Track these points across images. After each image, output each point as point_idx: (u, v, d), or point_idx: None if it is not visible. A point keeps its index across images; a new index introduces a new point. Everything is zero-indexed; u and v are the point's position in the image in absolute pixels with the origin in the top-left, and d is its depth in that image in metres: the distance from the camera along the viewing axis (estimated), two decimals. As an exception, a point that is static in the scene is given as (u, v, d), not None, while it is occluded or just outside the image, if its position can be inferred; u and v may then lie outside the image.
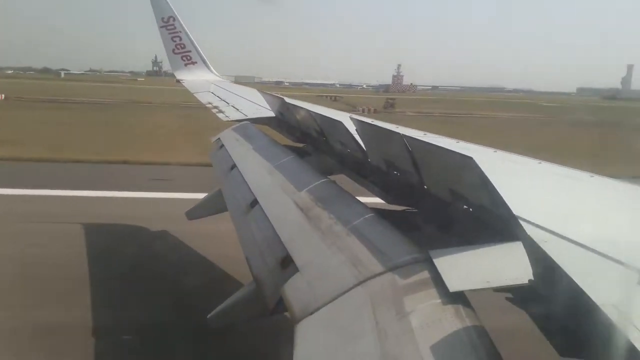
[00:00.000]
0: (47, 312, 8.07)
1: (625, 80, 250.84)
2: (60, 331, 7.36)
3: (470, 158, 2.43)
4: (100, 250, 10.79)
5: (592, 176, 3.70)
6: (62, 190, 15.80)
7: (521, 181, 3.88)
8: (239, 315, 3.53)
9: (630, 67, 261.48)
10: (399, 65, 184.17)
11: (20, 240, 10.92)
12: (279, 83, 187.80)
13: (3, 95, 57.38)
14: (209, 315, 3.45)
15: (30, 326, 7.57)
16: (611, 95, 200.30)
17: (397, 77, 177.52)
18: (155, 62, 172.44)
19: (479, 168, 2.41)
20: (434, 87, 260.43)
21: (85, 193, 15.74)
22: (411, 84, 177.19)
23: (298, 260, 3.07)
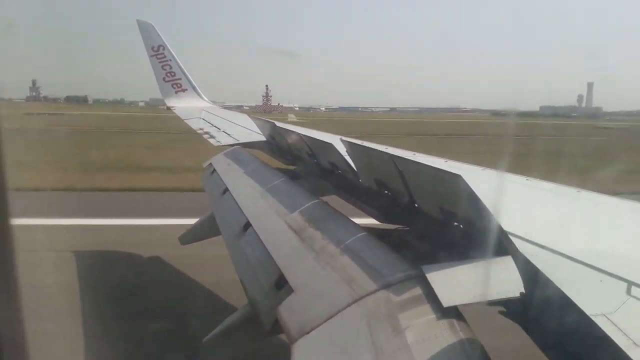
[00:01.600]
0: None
1: (587, 98, 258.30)
2: None
3: (459, 176, 2.49)
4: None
5: (579, 191, 3.78)
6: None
7: (509, 197, 3.95)
8: (235, 338, 3.52)
9: (590, 85, 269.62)
10: (267, 86, 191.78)
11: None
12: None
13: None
14: (204, 339, 3.43)
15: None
16: (567, 113, 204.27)
17: (266, 97, 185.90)
18: (33, 88, 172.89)
19: (468, 185, 2.47)
20: (392, 109, 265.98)
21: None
22: (278, 104, 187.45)
23: (292, 280, 3.09)
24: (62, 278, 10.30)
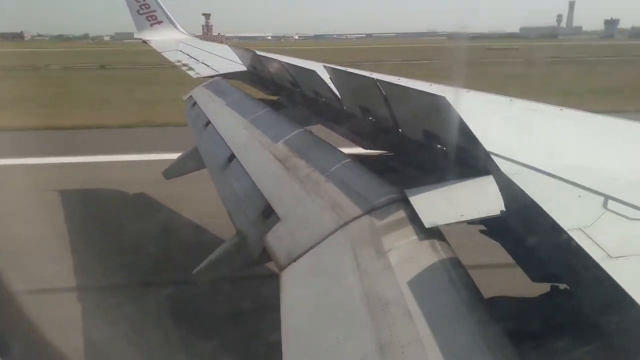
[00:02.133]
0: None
1: (568, 18, 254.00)
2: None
3: (443, 97, 2.45)
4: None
5: (561, 109, 3.77)
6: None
7: (493, 118, 3.94)
8: (224, 269, 3.60)
9: (571, 4, 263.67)
10: (206, 16, 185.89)
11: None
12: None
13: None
14: (194, 271, 3.50)
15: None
16: (550, 34, 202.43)
17: (206, 27, 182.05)
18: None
19: (451, 107, 2.44)
20: (368, 35, 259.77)
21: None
22: (219, 33, 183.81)
23: (279, 209, 3.11)
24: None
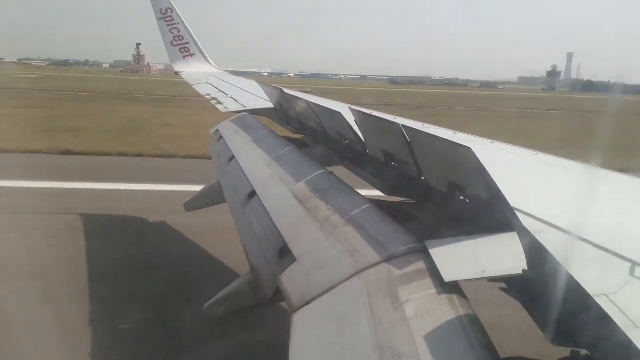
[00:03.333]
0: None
1: (567, 68, 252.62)
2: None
3: (469, 148, 2.44)
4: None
5: (588, 169, 3.71)
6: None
7: (518, 172, 3.89)
8: (236, 305, 3.56)
9: (569, 56, 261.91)
10: (138, 45, 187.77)
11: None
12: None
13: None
14: (205, 305, 3.48)
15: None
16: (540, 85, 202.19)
17: (137, 57, 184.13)
18: None
19: (477, 158, 2.42)
20: (362, 77, 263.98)
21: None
22: (148, 64, 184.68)
23: (295, 250, 3.09)
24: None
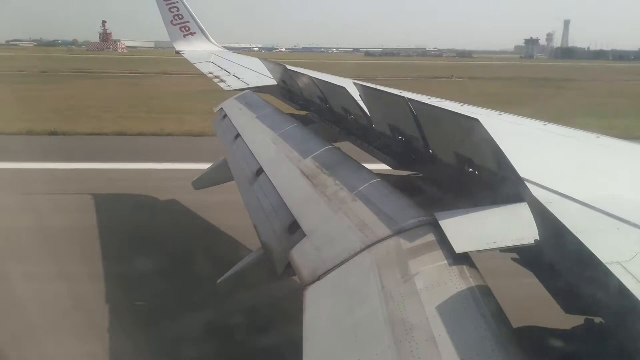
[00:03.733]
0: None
1: (564, 36, 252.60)
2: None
3: (477, 120, 2.42)
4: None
5: (598, 137, 3.68)
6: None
7: (527, 143, 3.87)
8: (248, 280, 3.60)
9: (566, 23, 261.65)
10: (104, 22, 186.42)
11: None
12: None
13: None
14: (218, 281, 3.52)
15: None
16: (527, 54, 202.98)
17: (103, 35, 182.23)
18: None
19: (485, 130, 2.40)
20: (355, 50, 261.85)
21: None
22: (114, 41, 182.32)
23: (305, 226, 3.11)
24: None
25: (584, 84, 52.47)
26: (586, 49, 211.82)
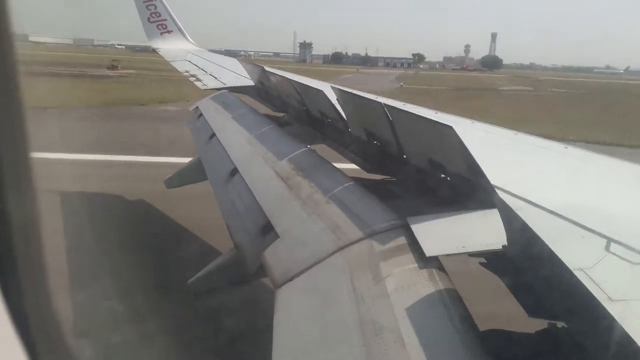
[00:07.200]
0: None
1: (491, 48, 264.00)
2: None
3: (450, 127, 2.47)
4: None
5: (566, 147, 3.80)
6: None
7: (498, 151, 3.96)
8: (220, 281, 3.57)
9: (494, 36, 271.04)
10: None
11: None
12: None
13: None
14: (189, 281, 3.48)
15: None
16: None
17: None
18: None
19: (458, 137, 2.45)
20: (276, 54, 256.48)
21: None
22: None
23: (278, 227, 3.10)
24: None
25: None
26: (346, 54, 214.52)
